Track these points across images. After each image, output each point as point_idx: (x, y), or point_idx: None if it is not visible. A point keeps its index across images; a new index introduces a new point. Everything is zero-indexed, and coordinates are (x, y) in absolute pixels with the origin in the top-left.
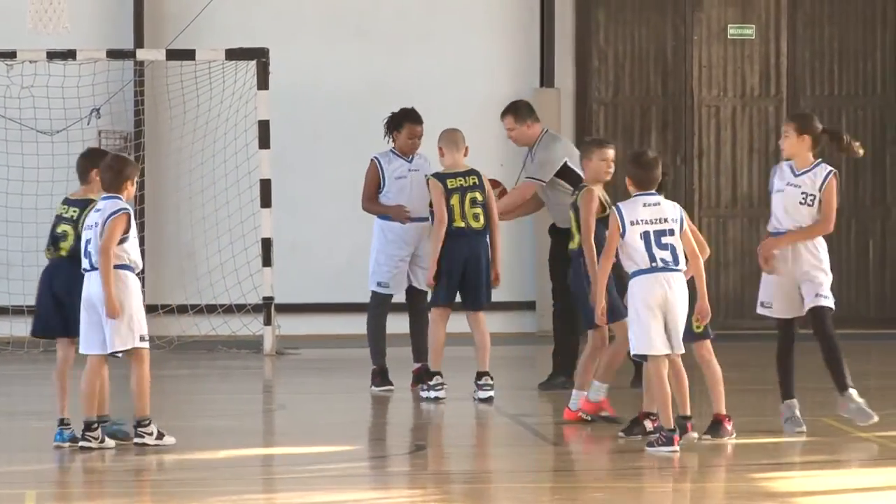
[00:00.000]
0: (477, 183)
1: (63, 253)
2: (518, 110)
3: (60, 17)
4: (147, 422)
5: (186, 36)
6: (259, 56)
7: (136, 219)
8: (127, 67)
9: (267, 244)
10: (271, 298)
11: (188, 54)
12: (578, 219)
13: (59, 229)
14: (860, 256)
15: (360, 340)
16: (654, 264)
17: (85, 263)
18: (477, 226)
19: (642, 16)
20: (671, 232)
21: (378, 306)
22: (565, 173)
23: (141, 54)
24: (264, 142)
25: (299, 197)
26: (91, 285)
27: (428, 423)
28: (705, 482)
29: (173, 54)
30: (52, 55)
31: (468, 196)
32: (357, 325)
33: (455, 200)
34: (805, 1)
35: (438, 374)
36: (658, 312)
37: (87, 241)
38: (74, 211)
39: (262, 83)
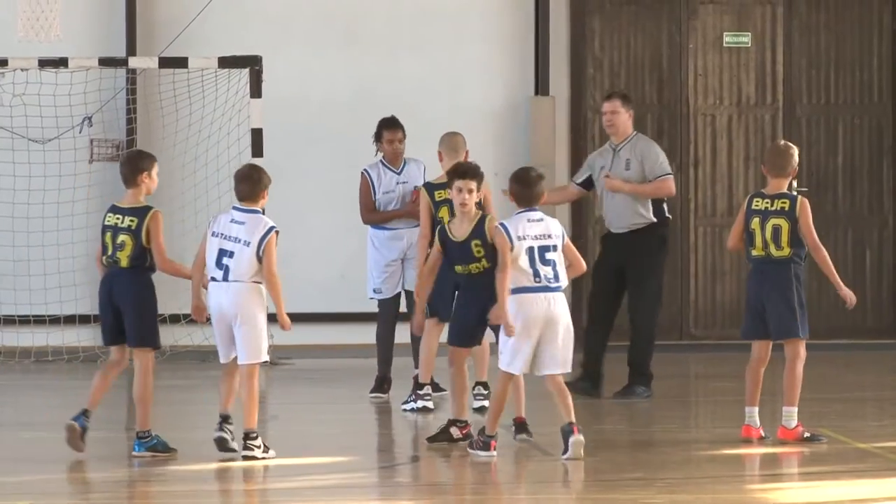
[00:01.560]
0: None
1: (123, 264)
2: (626, 96)
3: (52, 25)
4: (255, 434)
5: (179, 44)
6: (252, 64)
7: None
8: (119, 75)
9: None
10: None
11: (181, 62)
12: (795, 228)
13: (119, 239)
14: (857, 266)
15: (353, 350)
16: (537, 280)
17: (217, 274)
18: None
19: (637, 23)
20: (554, 248)
21: (381, 313)
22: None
23: (133, 62)
24: (257, 150)
25: (293, 205)
26: (223, 296)
27: (423, 434)
28: (702, 493)
29: (166, 62)
30: (44, 63)
31: None
32: (350, 334)
33: (444, 213)
34: (801, 9)
35: (427, 385)
36: (534, 332)
37: (225, 252)
38: (132, 220)
39: (255, 91)
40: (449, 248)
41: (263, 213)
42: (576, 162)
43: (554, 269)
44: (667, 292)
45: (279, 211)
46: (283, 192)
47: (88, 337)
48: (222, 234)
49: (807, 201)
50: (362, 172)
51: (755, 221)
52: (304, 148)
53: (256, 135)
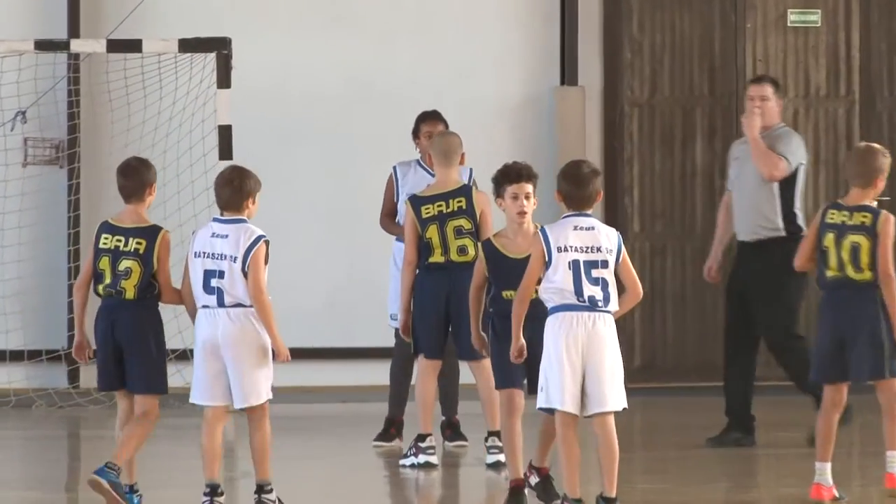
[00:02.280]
0: (464, 207)
1: (129, 295)
2: (777, 82)
3: None
4: (270, 487)
5: (132, 24)
6: (219, 48)
7: (69, 245)
8: (59, 62)
9: None
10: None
11: (133, 45)
12: (875, 245)
13: (122, 266)
14: None
15: (344, 393)
16: (580, 300)
17: (208, 300)
18: (463, 259)
19: None
20: (604, 264)
21: (397, 345)
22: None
23: (76, 45)
24: (225, 151)
25: (268, 219)
26: (219, 325)
27: (429, 495)
28: None
29: (115, 45)
30: None
31: (450, 224)
32: (339, 374)
33: (432, 231)
34: None
35: (429, 435)
36: (576, 358)
37: (212, 273)
38: (140, 243)
39: (223, 81)
40: (500, 267)
41: (248, 222)
42: (610, 164)
43: (605, 290)
44: (718, 323)
45: (253, 224)
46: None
47: (20, 377)
48: (205, 253)
49: (893, 218)
50: (392, 168)
51: (829, 237)
52: (282, 149)
53: (224, 133)
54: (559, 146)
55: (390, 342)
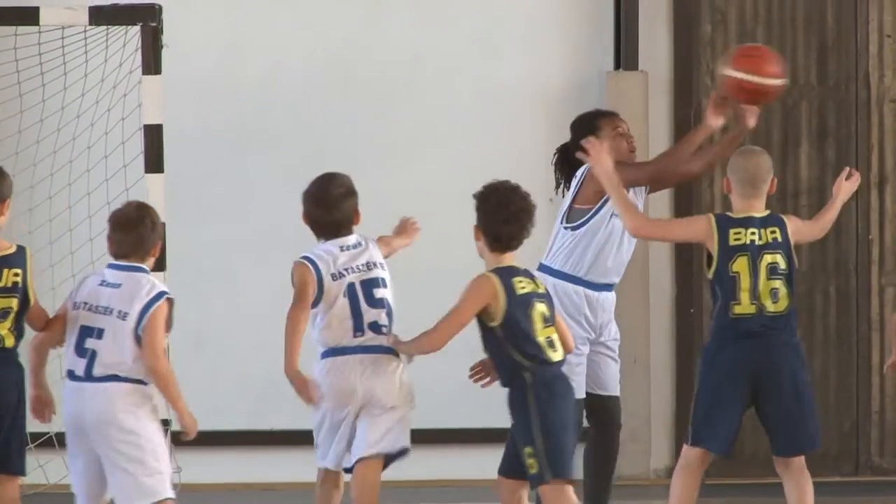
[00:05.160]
0: (779, 238)
1: (8, 343)
2: None
3: None
4: None
5: None
6: (146, 19)
7: None
8: None
9: None
10: (167, 422)
11: (28, 15)
12: None
13: None
14: None
15: (291, 491)
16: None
17: (76, 365)
18: (774, 310)
19: None
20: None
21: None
22: None
23: None
24: (153, 160)
25: (213, 255)
26: (86, 402)
27: None
28: None
29: (3, 15)
30: None
31: (766, 259)
32: (285, 466)
33: (741, 265)
34: None
35: None
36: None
37: (90, 332)
38: (17, 274)
39: (151, 64)
40: None
41: (149, 273)
42: None
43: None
44: (835, 395)
45: (191, 263)
46: (198, 233)
47: None
48: (86, 305)
49: None
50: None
51: None
52: (232, 158)
53: (152, 136)
54: None
55: None
